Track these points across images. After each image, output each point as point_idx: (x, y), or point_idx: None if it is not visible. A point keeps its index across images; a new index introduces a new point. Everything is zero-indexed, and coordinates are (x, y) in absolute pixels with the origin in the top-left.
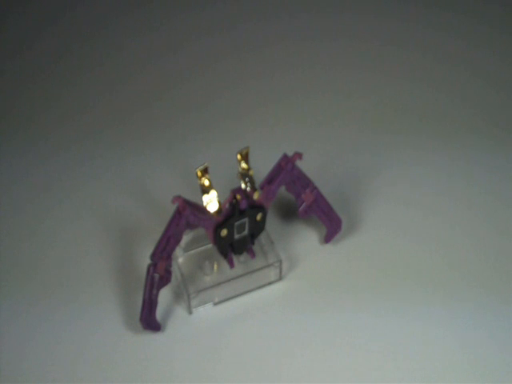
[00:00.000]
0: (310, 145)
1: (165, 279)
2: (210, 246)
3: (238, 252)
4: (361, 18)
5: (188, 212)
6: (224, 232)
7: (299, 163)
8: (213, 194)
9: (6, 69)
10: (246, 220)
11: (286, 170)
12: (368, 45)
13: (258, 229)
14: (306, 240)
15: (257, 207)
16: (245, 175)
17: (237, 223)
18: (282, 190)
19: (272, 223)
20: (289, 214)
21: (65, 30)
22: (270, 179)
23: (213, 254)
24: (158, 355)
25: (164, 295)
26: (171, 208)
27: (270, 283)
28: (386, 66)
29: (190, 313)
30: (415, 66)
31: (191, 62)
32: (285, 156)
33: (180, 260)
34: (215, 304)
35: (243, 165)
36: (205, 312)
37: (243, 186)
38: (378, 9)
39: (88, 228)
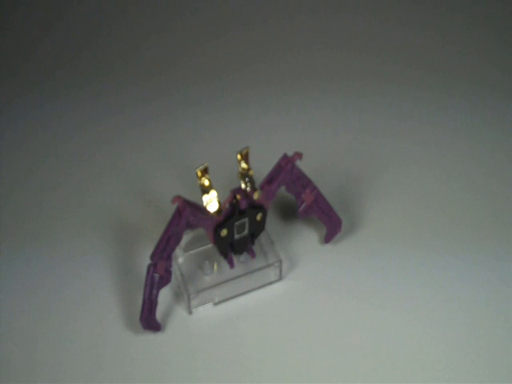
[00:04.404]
0: (310, 145)
1: (165, 279)
2: (210, 245)
3: (238, 252)
4: (362, 24)
5: (188, 212)
6: (224, 232)
7: (299, 163)
8: (213, 194)
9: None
10: (246, 220)
11: (286, 170)
12: (368, 46)
13: (258, 229)
14: (305, 240)
15: (257, 207)
16: (245, 175)
17: (237, 223)
18: (282, 189)
19: (272, 223)
20: (289, 214)
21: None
22: (270, 179)
23: (213, 253)
24: (158, 355)
25: (164, 295)
26: (171, 208)
27: (270, 283)
28: (385, 67)
29: (190, 313)
30: (415, 66)
31: (191, 62)
32: (285, 156)
33: (180, 260)
34: (215, 304)
35: (243, 165)
36: (205, 312)
37: (243, 185)
38: (379, 10)
39: (88, 228)
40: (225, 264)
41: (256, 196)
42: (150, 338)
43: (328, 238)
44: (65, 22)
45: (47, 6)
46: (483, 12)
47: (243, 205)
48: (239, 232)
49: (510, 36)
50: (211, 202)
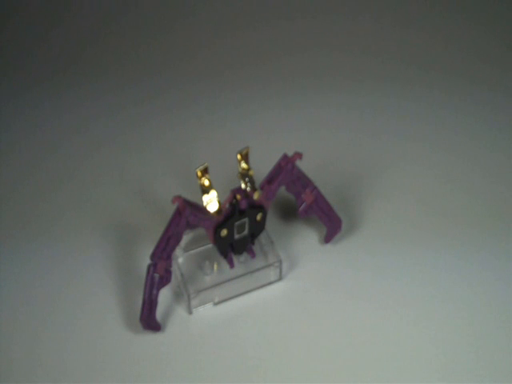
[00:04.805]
0: (310, 145)
1: (165, 279)
2: (210, 245)
3: (238, 252)
4: (362, 23)
5: (188, 212)
6: (224, 232)
7: (299, 163)
8: (213, 194)
9: None
10: (246, 220)
11: (286, 169)
12: (368, 46)
13: (258, 229)
14: (305, 240)
15: (257, 207)
16: (245, 175)
17: (237, 223)
18: (282, 189)
19: (272, 223)
20: (289, 214)
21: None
22: (270, 179)
23: (213, 254)
24: (158, 355)
25: (164, 295)
26: (171, 208)
27: (270, 283)
28: (385, 67)
29: (190, 313)
30: (415, 66)
31: (191, 62)
32: (285, 156)
33: (180, 260)
34: (215, 304)
35: (243, 165)
36: (205, 312)
37: (243, 186)
38: (379, 10)
39: (88, 228)
40: (225, 264)
41: (256, 196)
42: (150, 337)
43: (328, 238)
44: (64, 21)
45: (46, 6)
46: (484, 12)
47: (243, 205)
48: (239, 232)
49: (511, 35)
50: (211, 202)
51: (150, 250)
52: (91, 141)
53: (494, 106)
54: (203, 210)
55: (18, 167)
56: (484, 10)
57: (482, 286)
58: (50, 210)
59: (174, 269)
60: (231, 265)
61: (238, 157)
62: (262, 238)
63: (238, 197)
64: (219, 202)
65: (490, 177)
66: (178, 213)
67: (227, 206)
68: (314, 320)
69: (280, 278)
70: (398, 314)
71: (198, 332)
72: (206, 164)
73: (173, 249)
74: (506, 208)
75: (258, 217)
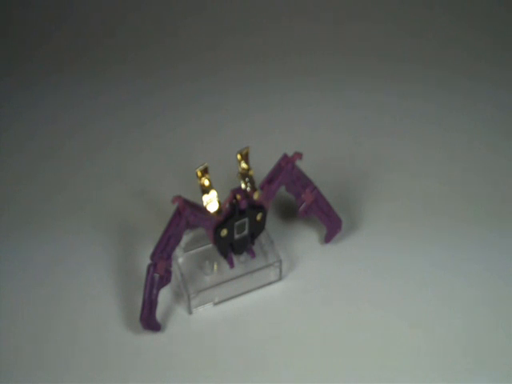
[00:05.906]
0: (310, 144)
1: (165, 279)
2: (210, 245)
3: (238, 252)
4: (362, 23)
5: (188, 212)
6: (224, 232)
7: (299, 163)
8: (213, 194)
9: None
10: (245, 220)
11: (286, 169)
12: (368, 46)
13: (258, 229)
14: (305, 240)
15: (257, 207)
16: (245, 175)
17: (237, 223)
18: (282, 189)
19: (272, 223)
20: (289, 214)
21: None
22: (270, 179)
23: (213, 254)
24: (158, 355)
25: (164, 295)
26: (171, 208)
27: (270, 283)
28: (385, 66)
29: (190, 313)
30: (415, 65)
31: (191, 62)
32: (285, 156)
33: (180, 260)
34: (215, 304)
35: (243, 165)
36: (205, 312)
37: (243, 186)
38: (379, 10)
39: (88, 228)
40: (225, 264)
41: (256, 196)
42: (150, 337)
43: (328, 238)
44: (63, 19)
45: (44, 5)
46: (485, 11)
47: (243, 205)
48: (239, 232)
49: None
50: (211, 202)
51: (149, 250)
52: (91, 141)
53: (494, 106)
54: (203, 210)
55: (18, 167)
56: (485, 9)
57: (483, 286)
58: (50, 210)
59: (174, 269)
60: (231, 265)
61: (238, 157)
62: (262, 237)
63: (238, 197)
64: (219, 202)
65: (490, 176)
66: (178, 213)
67: (227, 205)
68: (314, 320)
69: (280, 278)
70: (398, 314)
71: (198, 332)
72: (205, 164)
73: (173, 249)
74: (506, 208)
75: (258, 217)
